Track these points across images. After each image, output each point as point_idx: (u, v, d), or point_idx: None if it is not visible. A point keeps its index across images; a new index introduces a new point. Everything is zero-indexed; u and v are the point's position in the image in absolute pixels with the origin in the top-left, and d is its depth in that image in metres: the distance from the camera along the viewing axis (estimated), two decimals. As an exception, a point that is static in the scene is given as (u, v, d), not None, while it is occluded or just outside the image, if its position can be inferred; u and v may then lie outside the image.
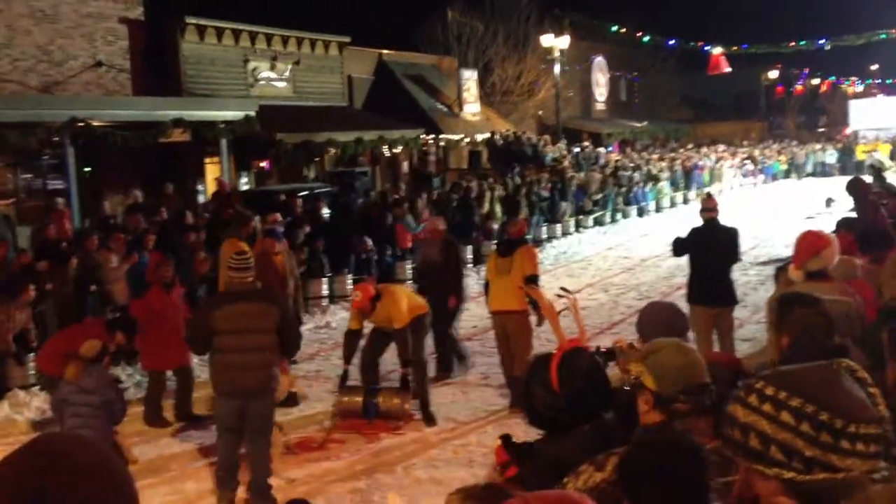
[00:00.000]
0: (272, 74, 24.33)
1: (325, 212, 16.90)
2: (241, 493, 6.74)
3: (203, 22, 22.32)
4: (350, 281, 15.23)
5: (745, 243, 9.61)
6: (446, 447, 7.97)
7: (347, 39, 27.09)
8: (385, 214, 16.77)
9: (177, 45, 21.72)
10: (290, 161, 22.23)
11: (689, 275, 9.27)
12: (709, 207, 9.31)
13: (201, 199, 20.19)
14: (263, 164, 23.06)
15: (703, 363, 2.84)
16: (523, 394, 3.22)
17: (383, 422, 8.44)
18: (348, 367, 8.61)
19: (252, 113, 19.97)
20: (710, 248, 8.99)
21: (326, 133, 22.23)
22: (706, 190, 31.63)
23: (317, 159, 23.69)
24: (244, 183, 22.21)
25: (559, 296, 4.06)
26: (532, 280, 8.67)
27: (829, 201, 16.80)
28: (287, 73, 24.80)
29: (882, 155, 41.08)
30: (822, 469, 1.55)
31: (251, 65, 23.71)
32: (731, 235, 9.23)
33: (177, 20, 21.76)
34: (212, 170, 21.32)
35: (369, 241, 15.71)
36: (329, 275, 14.88)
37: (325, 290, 14.58)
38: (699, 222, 9.39)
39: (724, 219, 9.75)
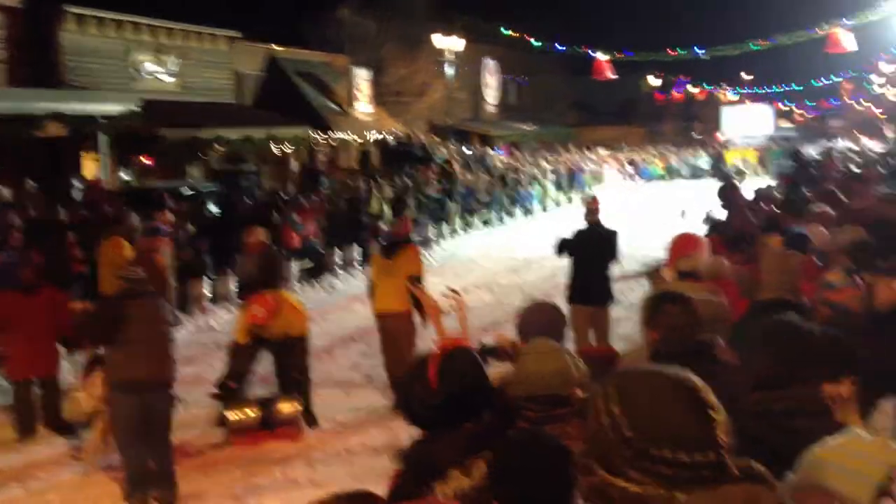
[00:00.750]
0: (157, 68, 23.78)
1: (213, 210, 16.65)
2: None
3: (83, 11, 21.62)
4: (235, 281, 15.05)
5: (623, 243, 9.91)
6: (327, 449, 7.97)
7: (237, 34, 26.66)
8: (273, 214, 16.60)
9: (55, 34, 20.98)
10: (174, 158, 21.74)
11: (569, 275, 9.51)
12: (592, 210, 9.59)
13: (77, 195, 19.54)
14: (146, 160, 22.49)
15: (562, 373, 2.86)
16: (403, 393, 3.19)
17: (284, 430, 8.26)
18: (236, 386, 8.29)
19: (135, 107, 19.43)
20: (591, 250, 9.26)
21: (213, 129, 21.85)
22: (590, 192, 32.51)
23: (203, 156, 23.24)
24: (125, 179, 21.61)
25: (446, 295, 4.07)
26: (416, 280, 8.68)
27: (683, 213, 17.90)
28: (173, 67, 24.25)
29: (750, 161, 42.96)
30: (623, 479, 1.55)
31: (135, 57, 23.10)
32: (610, 237, 9.50)
33: (56, 8, 21.02)
34: (90, 165, 20.66)
35: (255, 242, 15.47)
36: (212, 275, 14.64)
37: (207, 291, 14.34)
38: (583, 224, 9.65)
39: (606, 219, 10.06)
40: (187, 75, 24.63)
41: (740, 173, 23.26)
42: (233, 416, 8.11)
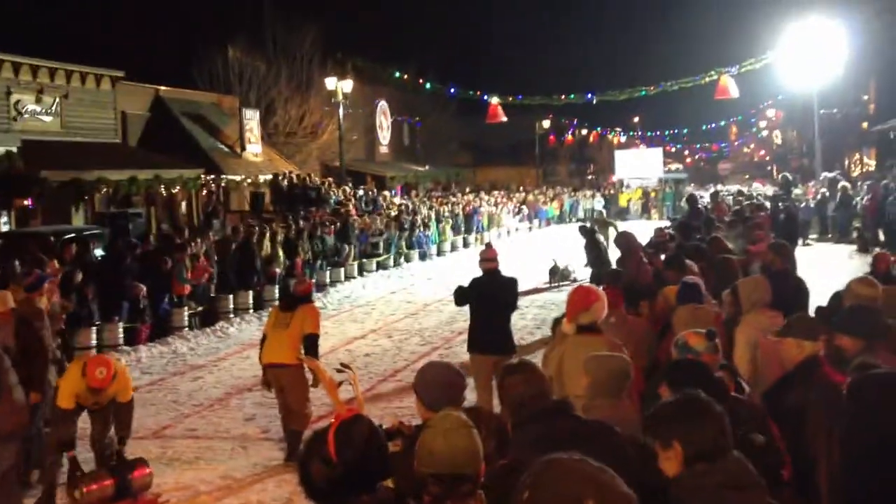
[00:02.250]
0: (38, 108, 22.85)
1: (98, 254, 15.98)
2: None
3: (-41, 50, 20.67)
4: (121, 329, 14.46)
5: (522, 287, 9.83)
6: (224, 507, 7.58)
7: (121, 74, 25.95)
8: (164, 258, 15.99)
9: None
10: (57, 200, 20.84)
11: (469, 324, 9.34)
12: (488, 258, 9.38)
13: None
14: (27, 203, 21.48)
15: (467, 452, 2.81)
16: (300, 470, 3.09)
17: (145, 498, 7.57)
18: (73, 454, 7.43)
19: (14, 148, 18.61)
20: (490, 298, 9.07)
21: (97, 171, 21.08)
22: (486, 234, 32.73)
23: (87, 198, 22.36)
24: (3, 223, 20.59)
25: (339, 370, 3.98)
26: (312, 339, 8.60)
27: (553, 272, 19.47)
28: (54, 108, 23.37)
29: (643, 201, 44.24)
30: None
31: (14, 97, 22.16)
32: (510, 285, 9.34)
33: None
34: (-34, 209, 19.64)
35: (143, 288, 14.92)
36: (98, 323, 13.99)
37: (93, 340, 13.66)
38: (480, 272, 9.47)
39: (504, 264, 10.00)
40: (70, 115, 23.78)
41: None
42: (82, 491, 7.06)
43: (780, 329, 5.20)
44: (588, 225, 18.61)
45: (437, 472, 2.76)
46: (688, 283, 6.92)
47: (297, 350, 8.54)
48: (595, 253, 16.89)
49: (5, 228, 19.97)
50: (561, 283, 20.03)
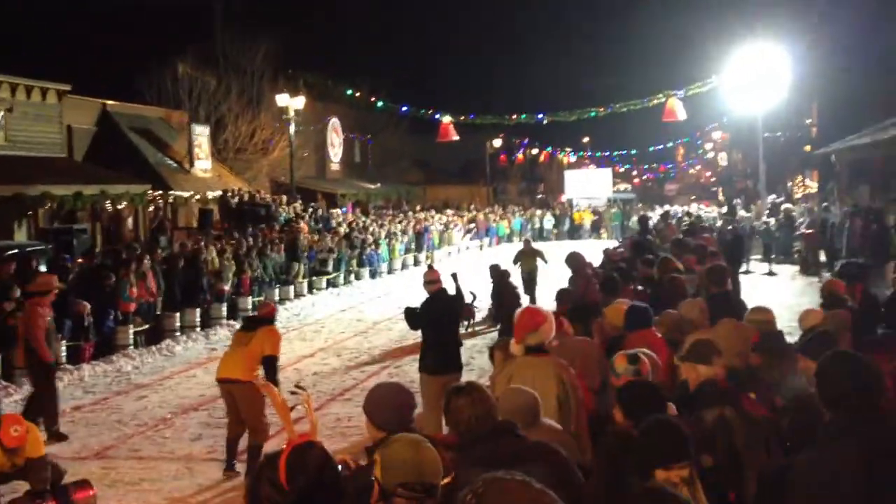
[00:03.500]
0: (-20, 121, 22.41)
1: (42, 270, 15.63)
2: None
3: None
4: (64, 347, 14.16)
5: (474, 305, 9.91)
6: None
7: (67, 87, 25.52)
8: (108, 275, 15.73)
9: None
10: (-1, 215, 20.42)
11: (421, 346, 9.39)
12: (432, 280, 9.49)
13: None
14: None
15: (433, 463, 2.83)
16: (248, 495, 3.05)
17: None
18: None
19: (-46, 162, 18.20)
20: (440, 319, 9.15)
21: (41, 186, 20.69)
22: (436, 253, 32.75)
23: (30, 213, 21.92)
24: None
25: (293, 392, 3.95)
26: (271, 362, 8.55)
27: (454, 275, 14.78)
28: (-2, 121, 22.93)
29: (594, 221, 44.61)
30: None
31: (-44, 110, 21.72)
32: (454, 302, 9.48)
33: None
34: None
35: (87, 306, 14.65)
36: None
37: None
38: (426, 294, 9.52)
39: (456, 282, 10.11)
40: (13, 129, 23.31)
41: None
42: None
43: (679, 354, 5.34)
44: (500, 266, 17.22)
45: (406, 482, 2.75)
46: (637, 308, 6.96)
47: (252, 369, 8.50)
48: (498, 300, 16.21)
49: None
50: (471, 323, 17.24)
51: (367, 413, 4.14)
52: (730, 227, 22.66)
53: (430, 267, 10.58)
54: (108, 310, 15.31)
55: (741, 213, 31.31)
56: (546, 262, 19.02)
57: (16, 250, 16.69)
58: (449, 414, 3.96)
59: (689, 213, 33.36)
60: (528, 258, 19.41)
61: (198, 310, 17.91)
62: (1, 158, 21.57)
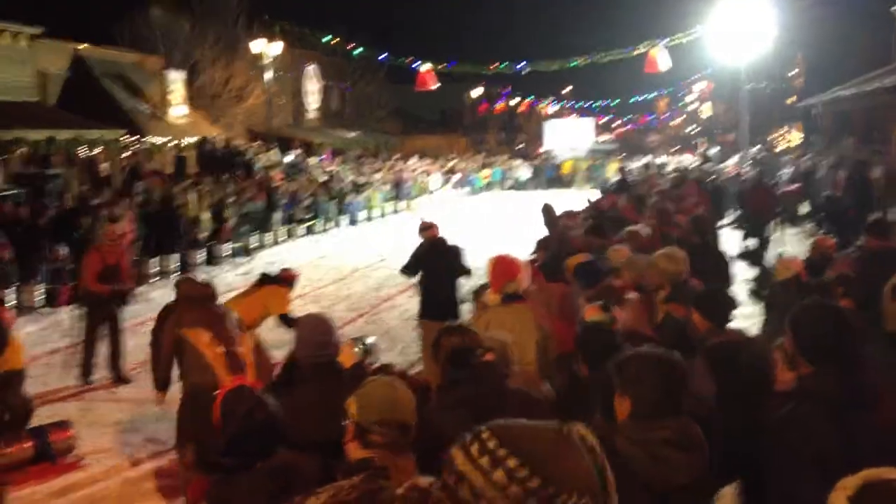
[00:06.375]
0: (-50, 64, 21.96)
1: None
2: None
3: None
4: (42, 291, 14.11)
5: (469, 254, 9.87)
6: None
7: (38, 31, 25.01)
8: (81, 220, 15.54)
9: None
10: (-29, 160, 20.11)
11: (421, 294, 9.40)
12: (427, 227, 9.55)
13: None
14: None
15: (408, 402, 2.86)
16: (194, 441, 3.14)
17: (64, 461, 7.53)
18: None
19: (-76, 105, 17.86)
20: (436, 266, 9.21)
21: (13, 131, 20.38)
22: (414, 202, 32.65)
23: (3, 158, 21.58)
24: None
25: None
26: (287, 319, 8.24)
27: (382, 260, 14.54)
28: (-32, 64, 22.48)
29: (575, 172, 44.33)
30: None
31: (-76, 51, 21.26)
32: (455, 251, 9.46)
33: None
34: None
35: (62, 250, 14.51)
36: (17, 284, 13.63)
37: (13, 302, 13.30)
38: (417, 240, 9.55)
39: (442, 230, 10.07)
40: (-15, 72, 22.92)
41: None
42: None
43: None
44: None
45: (382, 420, 2.76)
46: (585, 264, 6.71)
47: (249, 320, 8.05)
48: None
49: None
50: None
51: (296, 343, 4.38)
52: (710, 179, 22.60)
53: (423, 219, 10.43)
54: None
55: (721, 165, 31.27)
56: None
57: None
58: (438, 350, 3.98)
59: (660, 165, 33.25)
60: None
61: (175, 255, 17.79)
62: (-28, 102, 21.22)
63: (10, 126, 20.48)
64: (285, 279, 8.88)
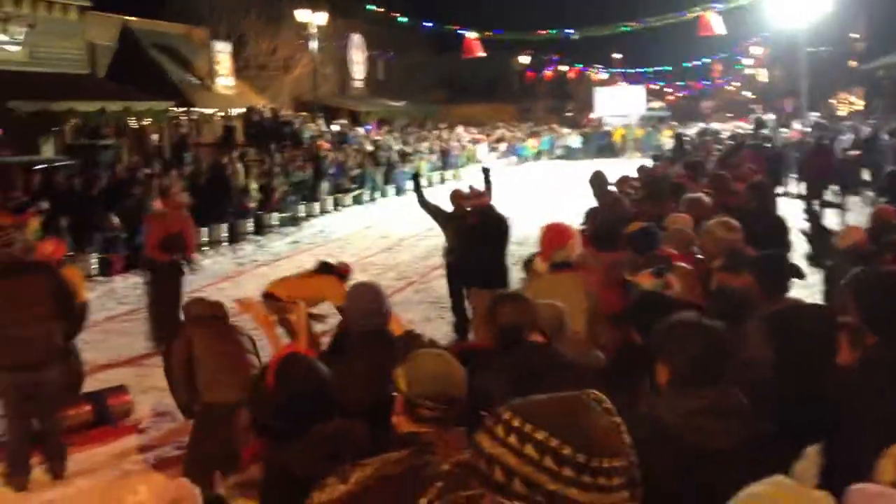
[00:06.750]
0: (4, 37, 22.22)
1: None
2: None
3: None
4: (96, 260, 14.35)
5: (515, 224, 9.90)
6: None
7: (88, 3, 25.24)
8: (133, 190, 15.75)
9: None
10: (25, 131, 20.41)
11: (473, 260, 9.40)
12: (477, 195, 9.58)
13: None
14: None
15: (458, 376, 2.81)
16: (248, 406, 3.16)
17: (124, 425, 7.74)
18: None
19: (-21, 78, 18.17)
20: (488, 234, 9.28)
21: (66, 102, 20.64)
22: (461, 171, 32.53)
23: (56, 129, 21.94)
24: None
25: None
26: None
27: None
28: (21, 37, 22.71)
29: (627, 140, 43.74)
30: (563, 503, 1.53)
31: (-22, 26, 21.55)
32: (504, 221, 9.52)
33: None
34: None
35: (115, 219, 14.72)
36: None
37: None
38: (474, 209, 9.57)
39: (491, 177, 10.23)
40: (36, 45, 23.12)
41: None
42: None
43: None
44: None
45: (435, 393, 2.71)
46: (638, 232, 6.63)
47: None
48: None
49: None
50: None
51: (342, 313, 4.51)
52: (770, 146, 21.99)
53: (471, 187, 10.43)
54: (137, 224, 15.36)
55: (783, 130, 30.49)
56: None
57: (44, 165, 16.76)
58: (491, 318, 3.95)
59: (715, 132, 32.57)
60: None
61: (224, 225, 17.94)
62: (25, 75, 21.47)
63: (63, 98, 20.72)
64: (342, 272, 8.90)
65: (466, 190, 9.99)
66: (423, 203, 10.39)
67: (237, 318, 6.53)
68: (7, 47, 22.31)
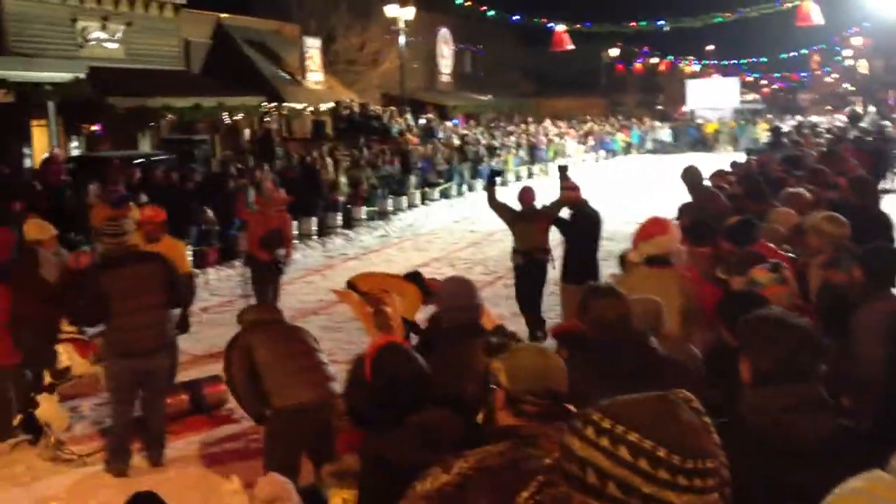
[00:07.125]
0: (103, 35, 22.94)
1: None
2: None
3: (27, -22, 20.72)
4: (190, 252, 14.65)
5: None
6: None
7: (183, 1, 25.87)
8: (226, 184, 16.09)
9: (-2, 0, 20.08)
10: (123, 126, 21.07)
11: (564, 257, 9.44)
12: (571, 187, 9.51)
13: (28, 164, 18.89)
14: (95, 128, 21.77)
15: (559, 370, 2.77)
16: (345, 395, 3.18)
17: (218, 413, 7.93)
18: None
19: (81, 75, 18.76)
20: (580, 229, 9.29)
21: (162, 98, 21.18)
22: (549, 165, 32.27)
23: (153, 125, 22.57)
24: (74, 147, 20.96)
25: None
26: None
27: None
28: (119, 35, 23.43)
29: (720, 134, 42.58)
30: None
31: (80, 24, 22.26)
32: (596, 216, 9.49)
33: (-3, -26, 20.08)
34: (39, 134, 19.95)
35: (210, 212, 15.05)
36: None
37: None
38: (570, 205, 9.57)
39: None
40: (134, 42, 23.82)
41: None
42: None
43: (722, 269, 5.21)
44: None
45: (538, 388, 2.68)
46: (743, 222, 6.47)
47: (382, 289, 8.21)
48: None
49: (76, 153, 20.32)
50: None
51: (437, 304, 4.54)
52: (873, 139, 21.14)
53: (573, 183, 10.24)
54: (231, 218, 15.68)
55: (885, 123, 29.29)
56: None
57: (142, 159, 17.24)
58: (585, 312, 3.90)
59: (812, 125, 31.55)
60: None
61: (314, 218, 18.17)
62: (123, 71, 22.11)
63: (159, 94, 21.28)
64: (428, 287, 8.87)
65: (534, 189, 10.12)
66: (493, 201, 10.31)
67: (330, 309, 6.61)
68: (106, 45, 23.02)
